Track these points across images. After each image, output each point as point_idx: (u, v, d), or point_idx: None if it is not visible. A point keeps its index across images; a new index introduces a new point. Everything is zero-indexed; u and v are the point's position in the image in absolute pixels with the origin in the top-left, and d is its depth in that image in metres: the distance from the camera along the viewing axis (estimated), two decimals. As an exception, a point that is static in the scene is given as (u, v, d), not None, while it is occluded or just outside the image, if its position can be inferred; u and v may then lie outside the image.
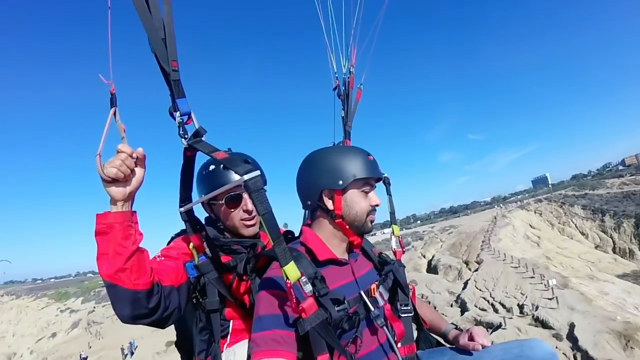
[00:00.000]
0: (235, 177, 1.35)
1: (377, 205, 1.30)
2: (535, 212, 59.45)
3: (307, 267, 1.11)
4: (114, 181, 1.04)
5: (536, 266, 29.68)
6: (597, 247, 50.00)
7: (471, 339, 1.27)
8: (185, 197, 1.31)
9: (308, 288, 1.00)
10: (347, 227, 1.26)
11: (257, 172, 0.97)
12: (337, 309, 1.07)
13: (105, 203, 1.09)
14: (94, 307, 60.06)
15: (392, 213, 1.57)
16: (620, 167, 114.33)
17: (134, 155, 1.08)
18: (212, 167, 1.47)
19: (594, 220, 53.96)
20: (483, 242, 46.00)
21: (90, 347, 39.75)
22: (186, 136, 1.11)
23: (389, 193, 1.56)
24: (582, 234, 53.32)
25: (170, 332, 1.44)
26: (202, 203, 1.52)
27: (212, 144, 1.11)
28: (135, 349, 33.57)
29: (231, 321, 1.43)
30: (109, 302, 1.10)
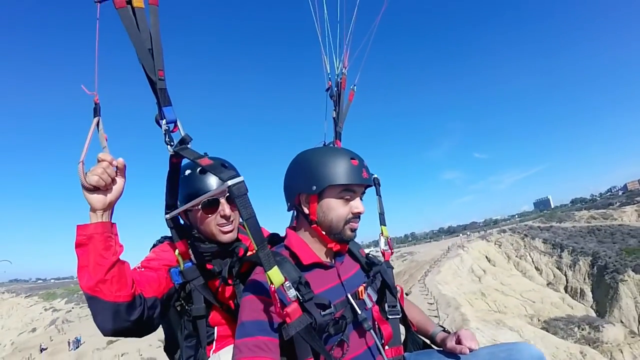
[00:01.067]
0: (213, 182, 1.42)
1: (359, 213, 1.25)
2: (495, 243, 58.37)
3: (291, 271, 1.12)
4: (95, 189, 1.07)
5: (448, 305, 30.39)
6: (549, 284, 48.96)
7: (459, 342, 1.27)
8: (171, 204, 1.33)
9: (292, 293, 1.01)
10: (324, 233, 1.25)
11: (241, 178, 1.00)
12: (323, 313, 1.08)
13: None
14: (72, 308, 65.16)
15: (382, 214, 1.57)
16: (621, 193, 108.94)
17: (114, 163, 1.11)
18: (188, 171, 1.47)
19: (551, 255, 52.84)
20: (425, 273, 46.12)
21: (52, 340, 43.66)
22: (172, 143, 1.14)
23: (378, 194, 1.53)
24: (537, 269, 52.34)
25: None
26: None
27: (197, 151, 1.14)
28: (81, 344, 38.02)
29: (216, 327, 1.48)
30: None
